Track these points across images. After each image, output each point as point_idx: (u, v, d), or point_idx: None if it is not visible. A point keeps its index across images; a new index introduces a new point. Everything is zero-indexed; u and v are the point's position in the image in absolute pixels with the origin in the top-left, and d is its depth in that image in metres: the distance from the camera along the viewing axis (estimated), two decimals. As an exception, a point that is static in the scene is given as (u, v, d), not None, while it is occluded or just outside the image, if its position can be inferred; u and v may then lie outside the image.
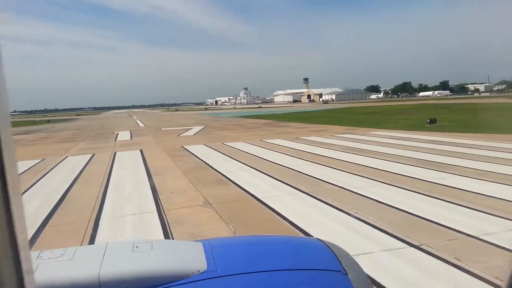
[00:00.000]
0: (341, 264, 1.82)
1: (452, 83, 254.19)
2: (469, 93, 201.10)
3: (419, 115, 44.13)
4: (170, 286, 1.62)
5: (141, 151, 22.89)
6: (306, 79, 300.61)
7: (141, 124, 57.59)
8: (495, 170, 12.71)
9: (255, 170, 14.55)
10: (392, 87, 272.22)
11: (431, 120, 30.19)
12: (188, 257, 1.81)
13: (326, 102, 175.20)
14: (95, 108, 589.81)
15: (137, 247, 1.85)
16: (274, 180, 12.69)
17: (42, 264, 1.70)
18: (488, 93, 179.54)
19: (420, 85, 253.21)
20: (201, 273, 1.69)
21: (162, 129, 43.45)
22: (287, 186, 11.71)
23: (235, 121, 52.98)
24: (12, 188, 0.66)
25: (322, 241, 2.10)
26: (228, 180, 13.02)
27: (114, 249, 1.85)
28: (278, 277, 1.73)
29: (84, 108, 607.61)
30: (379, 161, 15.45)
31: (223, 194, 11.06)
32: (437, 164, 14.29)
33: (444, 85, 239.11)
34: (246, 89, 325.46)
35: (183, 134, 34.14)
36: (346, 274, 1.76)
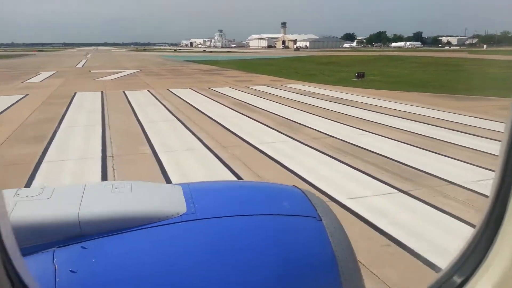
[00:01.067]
0: (316, 210, 1.86)
1: (427, 34, 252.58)
2: (439, 45, 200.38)
3: (368, 67, 42.93)
4: (149, 227, 1.64)
5: (24, 96, 21.24)
6: (284, 24, 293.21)
7: (79, 65, 55.04)
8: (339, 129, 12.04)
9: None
10: (368, 36, 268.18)
11: (359, 74, 29.02)
12: (168, 200, 1.83)
13: (298, 49, 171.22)
14: (65, 44, 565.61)
15: (116, 188, 1.85)
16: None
17: (20, 202, 1.68)
18: (459, 47, 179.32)
19: (395, 35, 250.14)
20: (180, 215, 1.71)
21: (92, 71, 41.06)
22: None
23: (179, 66, 50.77)
24: None
25: (299, 188, 2.13)
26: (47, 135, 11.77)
27: (93, 190, 1.84)
28: (255, 221, 1.79)
29: (54, 43, 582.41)
30: (241, 118, 14.44)
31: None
32: (294, 123, 13.32)
33: (417, 36, 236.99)
34: (220, 31, 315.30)
35: (101, 78, 32.21)
36: (321, 220, 1.81)
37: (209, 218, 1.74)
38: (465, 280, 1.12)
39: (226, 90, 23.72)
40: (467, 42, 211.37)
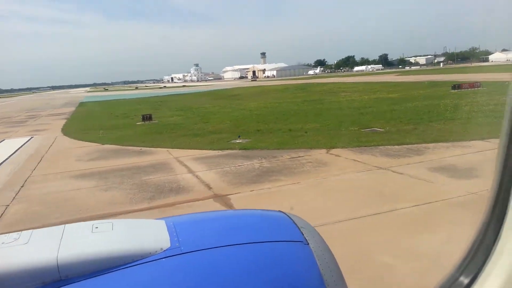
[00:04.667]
0: (302, 234, 1.84)
1: (399, 55, 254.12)
2: (400, 66, 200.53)
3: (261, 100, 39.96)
4: (133, 265, 1.61)
5: None
6: (263, 54, 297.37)
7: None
8: None
9: None
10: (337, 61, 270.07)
11: (145, 116, 25.39)
12: (151, 235, 1.78)
13: (256, 78, 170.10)
14: (53, 87, 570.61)
15: (96, 227, 1.80)
16: None
17: None
18: (423, 66, 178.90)
19: (362, 58, 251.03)
20: (164, 250, 1.67)
21: None
22: None
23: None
24: None
25: (283, 212, 2.09)
26: None
27: (72, 231, 1.79)
28: (241, 251, 1.77)
29: (42, 87, 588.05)
30: None
31: None
32: None
33: (383, 59, 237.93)
34: (196, 65, 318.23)
35: None
36: (307, 244, 1.78)
37: (194, 251, 1.72)
38: (473, 280, 1.09)
39: None
40: (435, 61, 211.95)
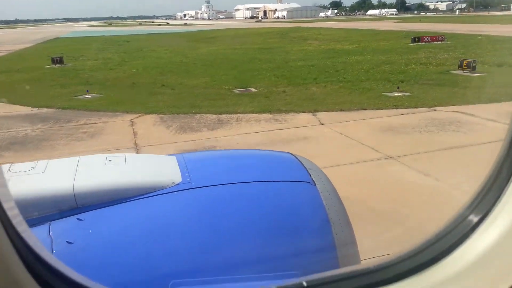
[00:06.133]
0: (310, 175, 1.87)
1: (412, 1, 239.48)
2: (415, 12, 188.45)
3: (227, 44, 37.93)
4: (145, 197, 1.67)
5: None
6: None
7: None
8: None
9: None
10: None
11: (55, 59, 23.37)
12: (162, 170, 1.83)
13: (262, 19, 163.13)
14: (68, 20, 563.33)
15: (110, 160, 1.85)
16: None
17: (13, 177, 1.70)
18: (439, 13, 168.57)
19: (379, 1, 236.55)
20: (176, 185, 1.73)
21: None
22: None
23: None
24: None
25: (292, 154, 2.10)
26: None
27: (86, 163, 1.84)
28: (250, 188, 1.82)
29: (58, 19, 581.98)
30: None
31: None
32: None
33: (401, 2, 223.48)
34: (208, 2, 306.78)
35: None
36: (315, 185, 1.81)
37: (204, 187, 1.77)
38: (482, 218, 1.06)
39: None
40: (456, 8, 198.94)
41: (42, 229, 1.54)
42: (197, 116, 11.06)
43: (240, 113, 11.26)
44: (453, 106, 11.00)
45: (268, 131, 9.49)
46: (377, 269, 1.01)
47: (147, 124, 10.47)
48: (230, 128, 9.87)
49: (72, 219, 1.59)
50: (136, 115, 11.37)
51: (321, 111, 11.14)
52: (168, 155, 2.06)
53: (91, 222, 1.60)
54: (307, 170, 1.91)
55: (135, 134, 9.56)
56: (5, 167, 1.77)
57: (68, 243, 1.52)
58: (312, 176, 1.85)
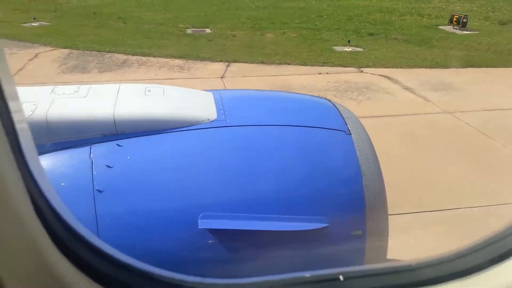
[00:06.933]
0: (346, 124, 1.85)
1: None
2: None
3: None
4: (181, 131, 1.72)
5: None
6: None
7: None
8: None
9: None
10: None
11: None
12: (199, 105, 1.87)
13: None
14: None
15: (149, 91, 1.89)
16: None
17: (57, 99, 1.75)
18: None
19: None
20: (211, 121, 1.76)
21: None
22: None
23: None
24: None
25: (330, 101, 2.08)
26: None
27: (126, 91, 1.88)
28: (285, 131, 1.83)
29: None
30: None
31: None
32: None
33: None
34: None
35: None
36: (350, 134, 1.81)
37: (239, 126, 1.79)
38: None
39: None
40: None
41: (83, 151, 1.63)
42: (108, 55, 10.41)
43: (156, 56, 10.48)
44: (387, 69, 9.61)
45: (157, 79, 8.74)
46: (420, 266, 0.90)
47: (47, 59, 10.04)
48: (122, 72, 9.24)
49: (112, 144, 1.67)
50: (50, 48, 10.88)
51: (241, 62, 10.16)
52: (206, 90, 2.09)
53: (130, 149, 1.68)
54: (343, 118, 1.90)
55: (21, 69, 9.13)
56: (48, 88, 1.80)
57: (108, 166, 1.62)
58: (348, 125, 1.84)
